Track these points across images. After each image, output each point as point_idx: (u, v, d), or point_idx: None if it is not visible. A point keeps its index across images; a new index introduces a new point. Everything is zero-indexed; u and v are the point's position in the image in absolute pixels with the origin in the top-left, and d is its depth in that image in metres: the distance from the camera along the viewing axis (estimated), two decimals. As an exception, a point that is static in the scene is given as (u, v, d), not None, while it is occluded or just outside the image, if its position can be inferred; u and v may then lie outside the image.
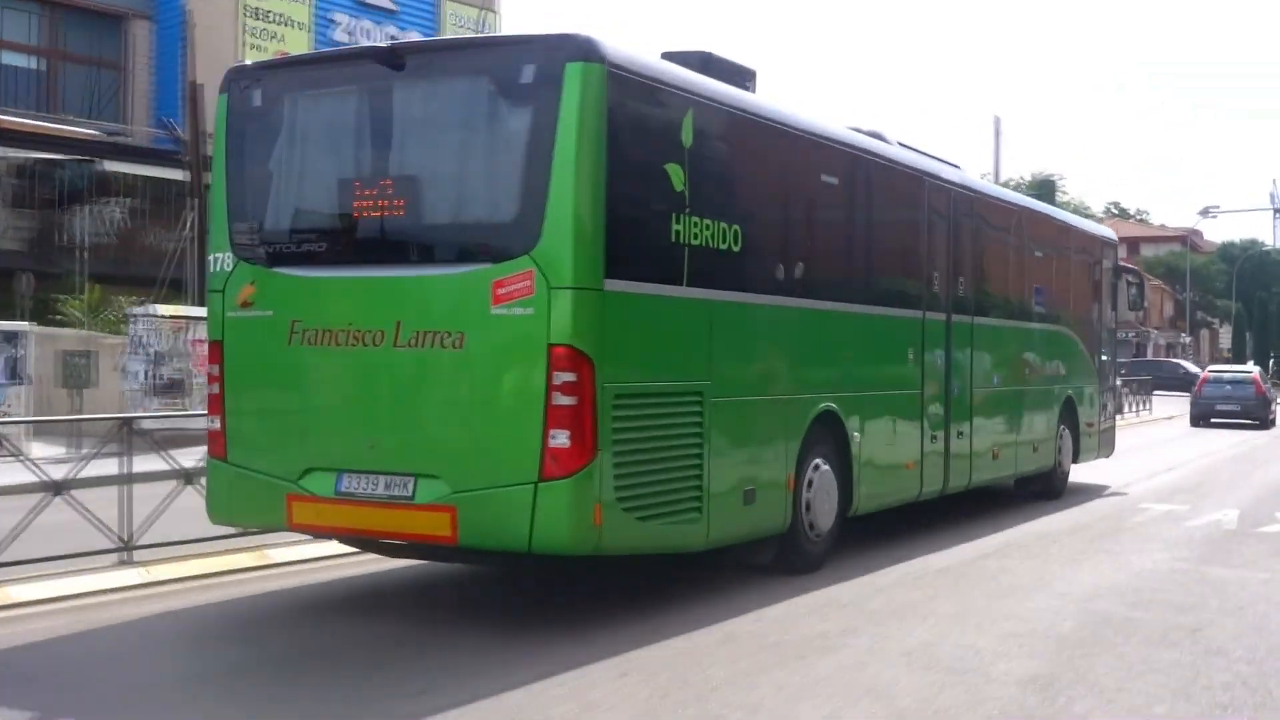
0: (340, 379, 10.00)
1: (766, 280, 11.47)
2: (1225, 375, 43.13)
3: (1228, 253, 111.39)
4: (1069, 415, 19.15)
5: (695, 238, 10.38)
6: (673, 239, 10.19)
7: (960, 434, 15.22)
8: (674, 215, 10.19)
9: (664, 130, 10.20)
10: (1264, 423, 41.23)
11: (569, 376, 9.19)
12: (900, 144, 14.68)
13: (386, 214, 9.91)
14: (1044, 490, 18.74)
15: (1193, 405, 42.24)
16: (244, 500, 10.46)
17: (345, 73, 10.46)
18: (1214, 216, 78.53)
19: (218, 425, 10.53)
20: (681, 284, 10.29)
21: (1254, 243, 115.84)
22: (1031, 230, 18.05)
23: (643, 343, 9.90)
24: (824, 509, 12.21)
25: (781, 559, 11.95)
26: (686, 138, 10.34)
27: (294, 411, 10.25)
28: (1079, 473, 20.65)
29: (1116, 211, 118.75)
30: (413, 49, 10.29)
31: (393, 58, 10.06)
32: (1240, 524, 16.08)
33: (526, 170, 9.42)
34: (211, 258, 10.65)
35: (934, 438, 14.55)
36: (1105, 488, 20.20)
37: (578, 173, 9.27)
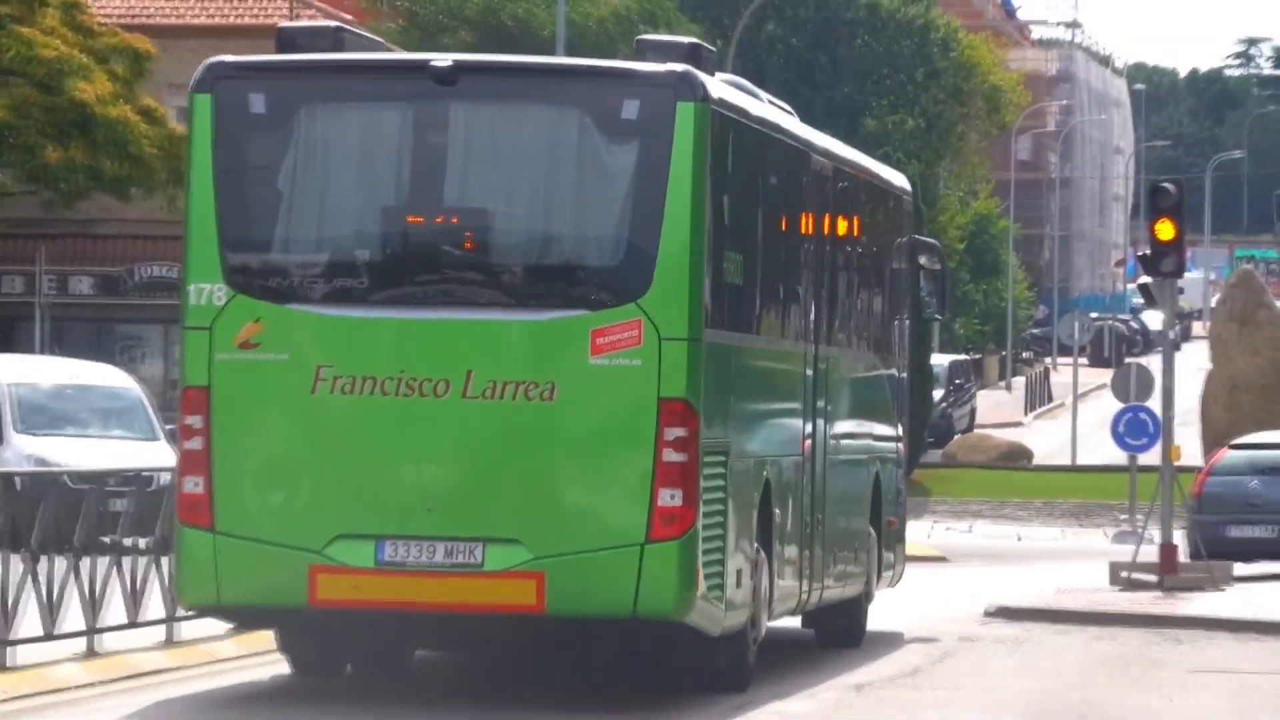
0: (386, 434, 9.12)
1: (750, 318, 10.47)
2: (1260, 455, 20.94)
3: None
4: (875, 505, 13.26)
5: (733, 275, 9.86)
6: (732, 280, 9.82)
7: (820, 521, 11.63)
8: (729, 254, 9.73)
9: (748, 169, 9.93)
10: None
11: (680, 432, 9.00)
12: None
13: (453, 250, 9.32)
14: (848, 630, 12.99)
15: (1192, 528, 19.78)
16: (241, 575, 9.17)
17: (388, 86, 9.56)
18: None
19: (199, 488, 9.21)
20: (739, 330, 9.93)
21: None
22: (844, 189, 12.29)
23: (715, 396, 9.50)
24: (764, 606, 10.30)
25: (730, 665, 9.93)
26: (735, 168, 9.86)
27: (317, 471, 9.21)
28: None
29: None
30: (480, 69, 9.71)
31: (450, 75, 9.20)
32: None
33: (632, 215, 9.15)
34: (193, 288, 9.27)
35: (806, 523, 11.34)
36: None
37: (694, 221, 9.05)
